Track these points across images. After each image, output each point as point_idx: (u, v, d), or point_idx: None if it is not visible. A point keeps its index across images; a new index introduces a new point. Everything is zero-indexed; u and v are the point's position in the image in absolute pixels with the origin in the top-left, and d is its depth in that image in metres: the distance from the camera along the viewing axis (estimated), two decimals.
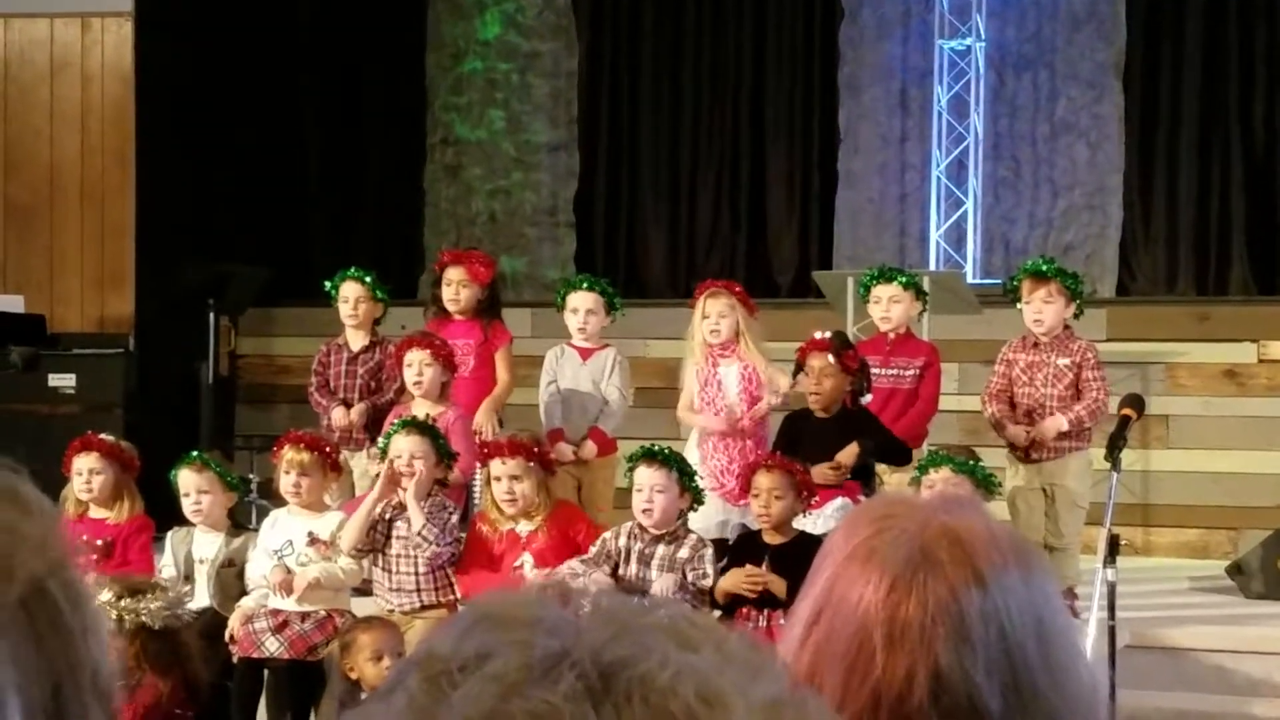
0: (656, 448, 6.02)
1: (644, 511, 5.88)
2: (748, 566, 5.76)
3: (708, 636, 0.89)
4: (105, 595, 5.37)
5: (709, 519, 6.49)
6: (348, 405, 7.49)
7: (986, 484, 5.87)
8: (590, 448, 7.08)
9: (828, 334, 6.64)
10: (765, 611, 5.71)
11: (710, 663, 0.87)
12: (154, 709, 5.35)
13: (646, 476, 5.88)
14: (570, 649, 0.85)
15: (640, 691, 0.84)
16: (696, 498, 6.03)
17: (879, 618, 1.36)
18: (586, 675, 0.84)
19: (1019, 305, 6.89)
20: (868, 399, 6.74)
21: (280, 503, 6.37)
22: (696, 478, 6.05)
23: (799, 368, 6.64)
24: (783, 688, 0.89)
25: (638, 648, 0.86)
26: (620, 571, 5.91)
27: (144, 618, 5.32)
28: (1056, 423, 6.70)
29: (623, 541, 5.94)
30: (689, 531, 5.98)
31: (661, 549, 5.88)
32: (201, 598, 6.11)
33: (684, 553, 5.85)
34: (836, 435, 6.42)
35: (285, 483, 6.16)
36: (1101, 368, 6.85)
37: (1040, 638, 1.37)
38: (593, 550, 5.96)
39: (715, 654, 0.88)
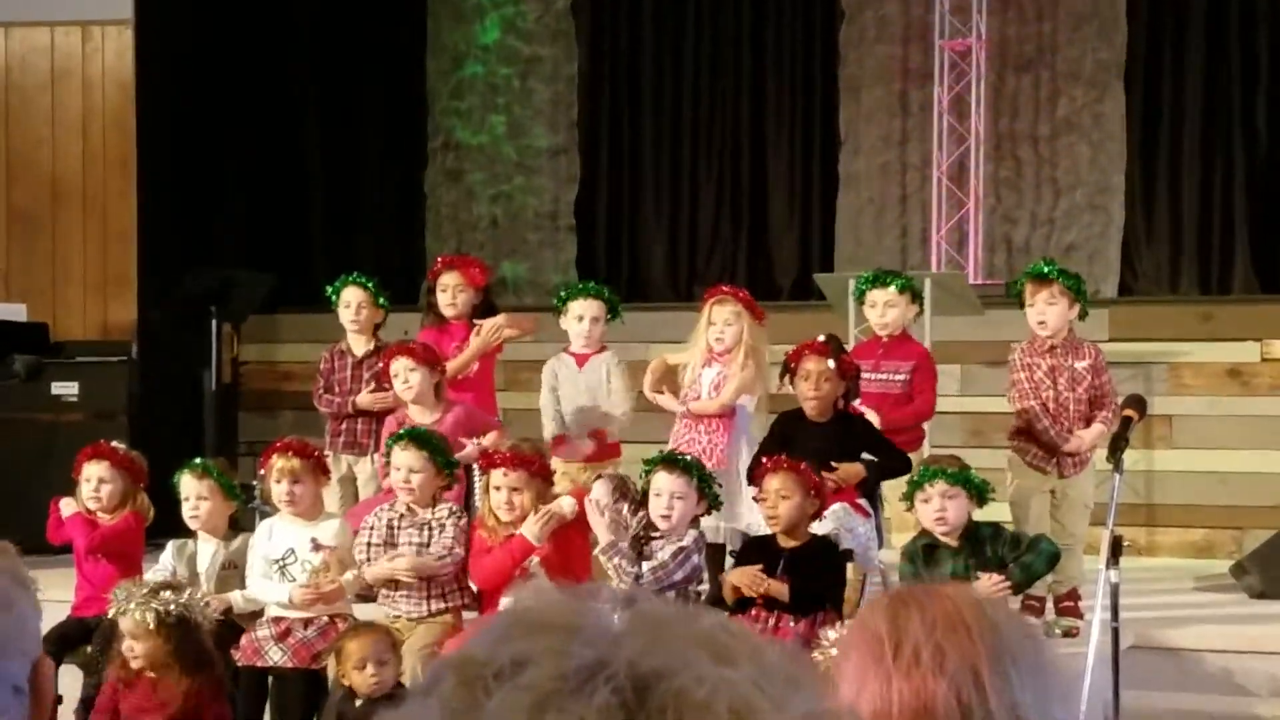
0: (677, 454, 6.01)
1: (663, 517, 5.85)
2: (755, 568, 5.74)
3: (746, 648, 0.88)
4: (141, 590, 5.41)
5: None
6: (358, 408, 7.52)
7: (979, 491, 5.82)
8: (589, 444, 7.10)
9: (822, 337, 6.62)
10: (775, 613, 5.70)
11: (747, 677, 0.86)
12: (185, 707, 5.38)
13: (667, 483, 5.85)
14: (606, 659, 0.84)
15: (675, 707, 0.83)
16: (713, 503, 6.01)
17: (902, 699, 1.37)
18: (621, 689, 0.83)
19: (1026, 308, 6.87)
20: (856, 403, 6.73)
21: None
22: (715, 484, 6.03)
23: (786, 370, 6.60)
24: (819, 703, 0.88)
25: (674, 659, 0.85)
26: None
27: (186, 611, 5.36)
28: (1097, 432, 6.69)
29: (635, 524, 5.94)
30: (689, 531, 5.93)
31: (656, 544, 5.87)
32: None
33: (664, 555, 5.84)
34: (835, 441, 6.40)
35: (278, 492, 6.13)
36: (1109, 369, 6.89)
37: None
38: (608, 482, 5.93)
39: (753, 668, 0.87)
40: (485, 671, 0.85)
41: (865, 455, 6.45)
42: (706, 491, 5.92)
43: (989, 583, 5.59)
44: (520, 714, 0.83)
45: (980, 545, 5.72)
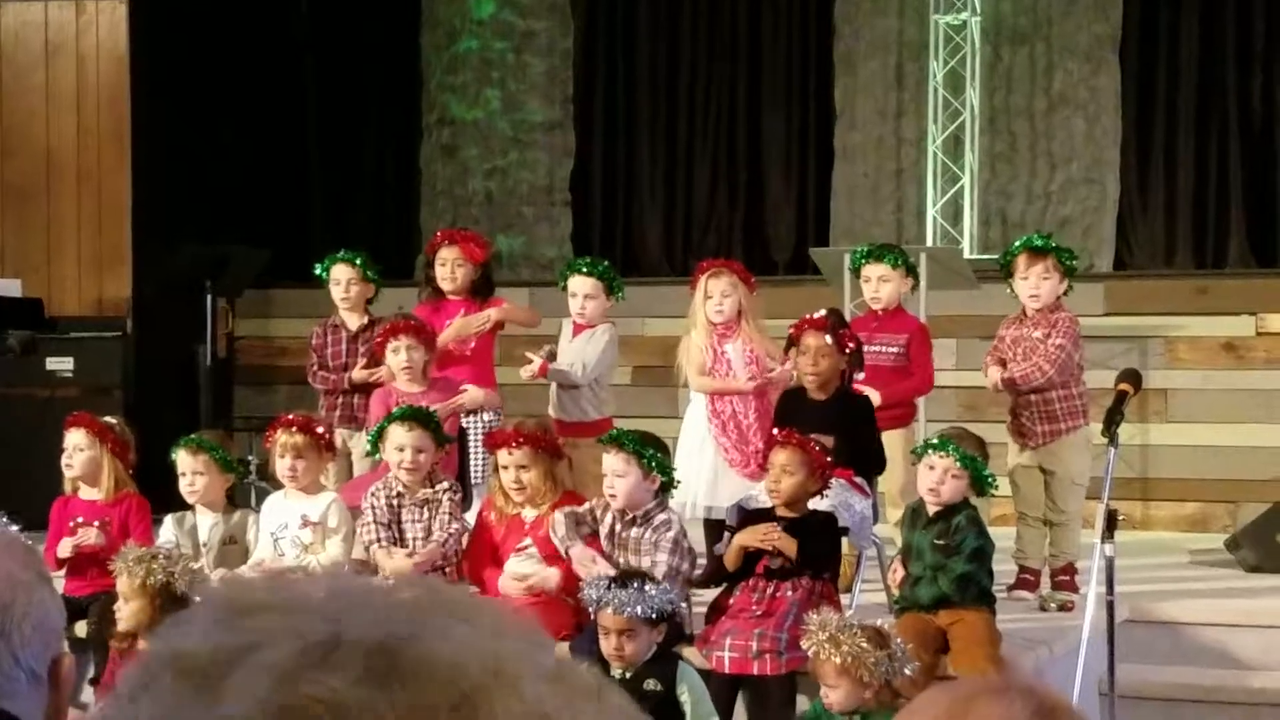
0: (617, 432, 5.99)
1: (610, 496, 5.85)
2: (764, 525, 5.72)
3: (478, 610, 0.86)
4: (131, 555, 5.46)
5: (732, 496, 6.42)
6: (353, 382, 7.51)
7: (981, 484, 5.79)
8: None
9: (823, 312, 6.59)
10: (773, 583, 5.69)
11: (490, 635, 0.85)
12: None
13: (608, 462, 5.85)
14: (341, 632, 0.82)
15: (427, 669, 0.81)
16: (666, 478, 5.89)
17: None
18: (370, 655, 0.81)
19: (1012, 280, 6.84)
20: (860, 377, 6.72)
21: (279, 485, 6.38)
22: (660, 457, 5.91)
23: (791, 344, 6.59)
24: (557, 656, 0.87)
25: (414, 625, 0.83)
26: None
27: (170, 578, 5.39)
28: (999, 374, 6.72)
29: (607, 516, 5.91)
30: (661, 512, 5.87)
31: (634, 532, 5.84)
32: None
33: (647, 534, 5.81)
34: (834, 418, 6.36)
35: (280, 467, 6.18)
36: (1069, 337, 6.70)
37: None
38: (565, 518, 5.89)
39: (493, 625, 0.86)
40: (214, 658, 0.82)
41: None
42: (653, 466, 5.81)
43: (893, 575, 5.86)
44: (264, 692, 0.79)
45: (947, 529, 5.70)
